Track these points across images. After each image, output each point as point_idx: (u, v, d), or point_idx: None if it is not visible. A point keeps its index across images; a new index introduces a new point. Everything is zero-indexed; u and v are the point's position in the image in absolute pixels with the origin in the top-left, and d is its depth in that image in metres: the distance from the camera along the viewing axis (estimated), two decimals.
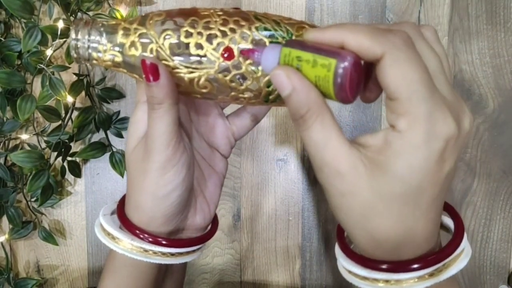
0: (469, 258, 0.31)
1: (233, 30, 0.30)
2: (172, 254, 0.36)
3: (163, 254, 0.35)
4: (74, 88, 0.52)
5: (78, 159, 0.58)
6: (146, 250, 0.35)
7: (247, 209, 0.59)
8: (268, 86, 0.31)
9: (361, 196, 0.27)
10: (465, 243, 0.31)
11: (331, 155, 0.27)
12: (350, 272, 0.31)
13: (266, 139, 0.58)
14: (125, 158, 0.37)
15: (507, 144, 0.57)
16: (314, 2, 0.56)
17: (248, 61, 0.30)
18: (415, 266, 0.28)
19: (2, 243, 0.58)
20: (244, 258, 0.60)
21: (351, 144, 0.28)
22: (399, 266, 0.29)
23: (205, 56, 0.30)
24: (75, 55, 0.32)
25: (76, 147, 0.58)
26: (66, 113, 0.54)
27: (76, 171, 0.57)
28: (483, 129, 0.56)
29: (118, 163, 0.56)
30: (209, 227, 0.40)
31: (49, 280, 0.60)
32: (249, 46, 0.30)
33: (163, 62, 0.31)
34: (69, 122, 0.54)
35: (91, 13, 0.53)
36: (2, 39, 0.53)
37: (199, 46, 0.30)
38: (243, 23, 0.30)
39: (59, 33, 0.49)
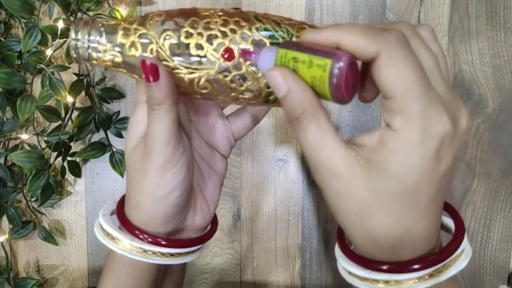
0: (469, 258, 0.31)
1: (233, 31, 0.30)
2: (172, 255, 0.36)
3: (163, 254, 0.35)
4: (74, 88, 0.52)
5: (78, 159, 0.58)
6: (145, 251, 0.35)
7: (247, 209, 0.59)
8: (269, 87, 0.31)
9: (358, 197, 0.27)
10: (465, 244, 0.31)
11: (327, 156, 0.27)
12: (350, 273, 0.31)
13: (266, 139, 0.58)
14: (124, 158, 0.37)
15: (507, 144, 0.56)
16: (314, 2, 0.56)
17: (248, 62, 0.30)
18: (415, 266, 0.28)
19: (2, 243, 0.58)
20: (244, 258, 0.60)
21: (347, 144, 0.28)
22: (399, 266, 0.28)
23: (205, 56, 0.30)
24: (75, 55, 0.32)
25: (76, 147, 0.58)
26: (66, 113, 0.54)
27: (76, 171, 0.57)
28: (483, 129, 0.56)
29: (118, 163, 0.56)
30: (208, 228, 0.40)
31: (49, 280, 0.60)
32: (250, 46, 0.30)
33: (163, 62, 0.31)
34: (69, 122, 0.54)
35: (91, 13, 0.53)
36: (2, 39, 0.53)
37: (199, 46, 0.30)
38: (243, 23, 0.30)
39: (59, 33, 0.49)
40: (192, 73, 0.31)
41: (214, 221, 0.40)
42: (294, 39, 0.30)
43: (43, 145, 0.56)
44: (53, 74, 0.50)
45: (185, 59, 0.31)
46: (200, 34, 0.30)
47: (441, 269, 0.29)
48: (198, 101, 0.38)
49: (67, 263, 0.60)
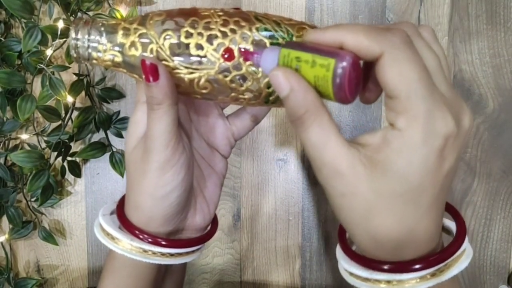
0: (470, 259, 0.31)
1: (233, 31, 0.30)
2: (172, 255, 0.36)
3: (162, 254, 0.35)
4: (74, 88, 0.52)
5: (78, 159, 0.58)
6: (145, 251, 0.35)
7: (247, 209, 0.59)
8: (269, 87, 0.31)
9: (361, 196, 0.27)
10: (466, 244, 0.31)
11: (330, 155, 0.27)
12: (351, 274, 0.31)
13: (266, 139, 0.58)
14: (124, 158, 0.37)
15: (507, 144, 0.56)
16: (314, 2, 0.56)
17: (248, 62, 0.30)
18: (417, 266, 0.28)
19: (2, 243, 0.58)
20: (244, 258, 0.60)
21: (350, 144, 0.28)
22: (401, 266, 0.28)
23: (205, 56, 0.30)
24: (75, 55, 0.32)
25: (76, 147, 0.58)
26: (66, 113, 0.54)
27: (76, 171, 0.57)
28: (483, 129, 0.56)
29: (118, 163, 0.56)
30: (209, 228, 0.40)
31: (49, 280, 0.60)
32: (250, 46, 0.30)
33: (163, 62, 0.31)
34: (69, 122, 0.54)
35: (91, 13, 0.53)
36: (2, 39, 0.53)
37: (199, 46, 0.30)
38: (243, 23, 0.30)
39: (59, 33, 0.49)
40: (192, 73, 0.31)
41: (214, 221, 0.40)
42: (294, 39, 0.30)
43: (43, 145, 0.56)
44: (53, 74, 0.50)
45: (185, 59, 0.30)
46: (200, 34, 0.30)
47: (443, 268, 0.29)
48: (198, 101, 0.38)
49: (67, 263, 0.60)
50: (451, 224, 0.33)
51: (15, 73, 0.50)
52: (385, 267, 0.29)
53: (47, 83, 0.49)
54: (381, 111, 0.57)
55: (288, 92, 0.27)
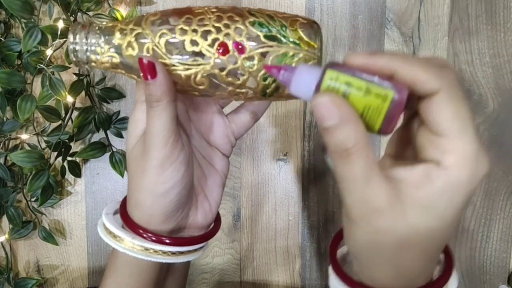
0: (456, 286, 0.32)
1: (227, 26, 0.31)
2: (173, 253, 0.36)
3: (164, 252, 0.35)
4: (74, 88, 0.52)
5: (78, 159, 0.58)
6: (147, 249, 0.35)
7: (247, 209, 0.59)
8: (265, 80, 0.31)
9: (397, 233, 0.26)
10: (454, 274, 0.32)
11: (372, 192, 0.26)
12: None
13: (266, 139, 0.58)
14: (125, 157, 0.37)
15: (507, 144, 0.57)
16: (314, 2, 0.56)
17: (243, 56, 0.30)
18: None
19: (2, 243, 0.58)
20: (244, 258, 0.60)
21: (389, 179, 0.27)
22: None
23: (200, 52, 0.31)
24: (74, 59, 0.32)
25: (76, 147, 0.58)
26: (66, 113, 0.54)
27: (76, 171, 0.57)
28: (483, 129, 0.56)
29: (118, 163, 0.56)
30: (211, 226, 0.40)
31: (49, 280, 0.60)
32: (244, 40, 0.30)
33: (160, 60, 0.31)
34: (69, 122, 0.54)
35: (91, 13, 0.53)
36: (2, 39, 0.53)
37: (194, 42, 0.31)
38: (237, 18, 0.31)
39: (59, 33, 0.49)
40: (188, 69, 0.31)
41: (217, 220, 0.40)
42: (288, 31, 0.30)
43: (43, 145, 0.56)
44: (53, 74, 0.50)
45: (181, 56, 0.31)
46: (194, 30, 0.31)
47: None
48: (197, 100, 0.38)
49: (67, 263, 0.60)
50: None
51: (15, 73, 0.50)
52: None
53: (47, 83, 0.49)
54: None
55: (337, 122, 0.25)
